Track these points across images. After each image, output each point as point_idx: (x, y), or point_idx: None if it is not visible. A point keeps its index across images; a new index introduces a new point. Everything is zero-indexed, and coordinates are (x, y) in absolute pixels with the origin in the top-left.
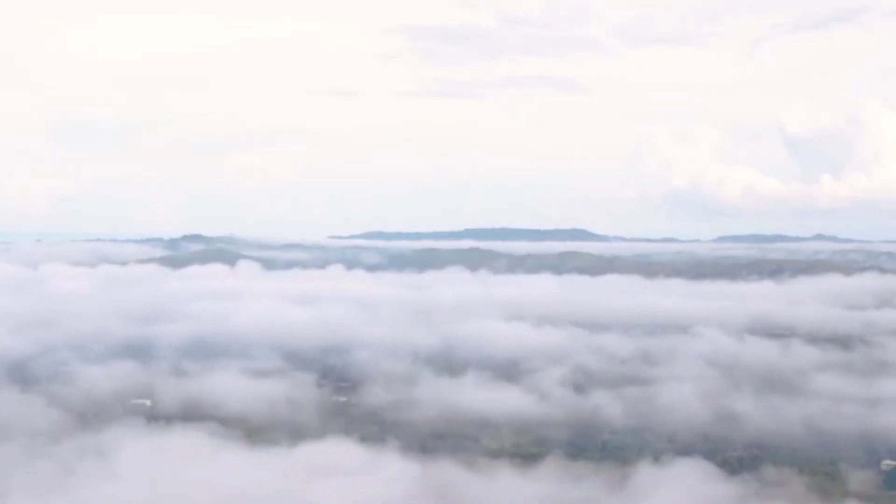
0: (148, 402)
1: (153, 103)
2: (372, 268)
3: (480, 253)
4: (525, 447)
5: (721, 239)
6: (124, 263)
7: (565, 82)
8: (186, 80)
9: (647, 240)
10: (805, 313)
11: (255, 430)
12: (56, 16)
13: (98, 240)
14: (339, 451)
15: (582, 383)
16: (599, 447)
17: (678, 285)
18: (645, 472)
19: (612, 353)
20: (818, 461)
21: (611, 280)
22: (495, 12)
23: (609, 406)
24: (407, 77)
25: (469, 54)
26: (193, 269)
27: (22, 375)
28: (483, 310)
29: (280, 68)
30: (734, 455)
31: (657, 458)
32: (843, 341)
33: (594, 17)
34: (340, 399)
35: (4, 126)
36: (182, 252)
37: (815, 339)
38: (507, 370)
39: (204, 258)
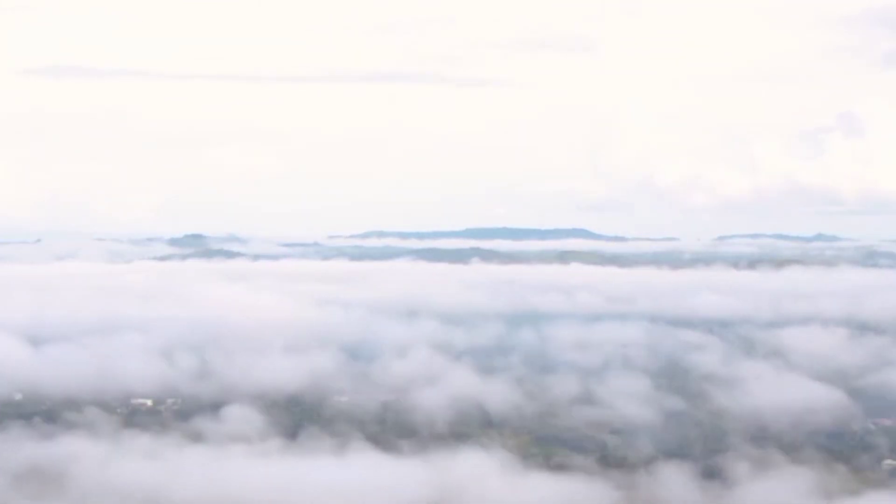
0: (149, 402)
1: (146, 101)
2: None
3: (482, 252)
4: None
5: (721, 238)
6: (130, 262)
7: (564, 79)
8: (173, 76)
9: (648, 239)
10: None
11: None
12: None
13: (100, 239)
14: None
15: None
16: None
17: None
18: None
19: None
20: (818, 459)
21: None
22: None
23: None
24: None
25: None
26: (214, 267)
27: None
28: None
29: (266, 58)
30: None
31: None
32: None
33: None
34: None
35: None
36: (186, 251)
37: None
38: None
39: (208, 256)
